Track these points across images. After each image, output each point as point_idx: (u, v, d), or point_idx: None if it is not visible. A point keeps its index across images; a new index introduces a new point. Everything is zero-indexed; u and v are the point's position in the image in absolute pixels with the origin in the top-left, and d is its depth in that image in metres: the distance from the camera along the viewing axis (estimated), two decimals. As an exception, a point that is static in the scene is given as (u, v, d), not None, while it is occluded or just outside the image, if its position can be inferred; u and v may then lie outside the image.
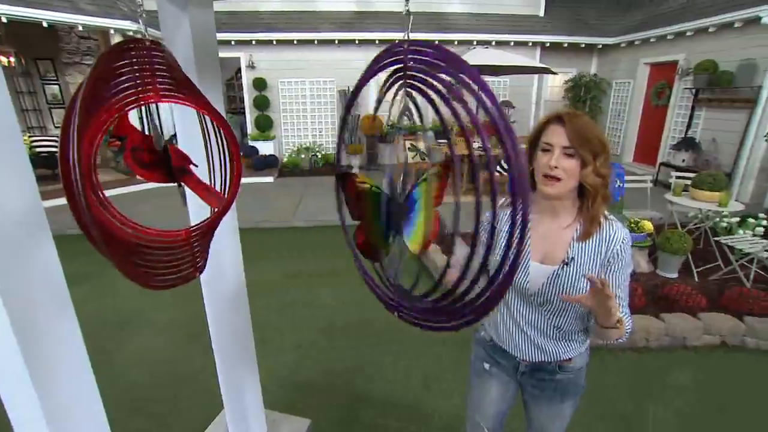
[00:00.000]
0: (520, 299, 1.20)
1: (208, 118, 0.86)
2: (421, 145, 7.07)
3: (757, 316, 3.05)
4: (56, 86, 8.31)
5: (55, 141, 6.72)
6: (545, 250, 1.14)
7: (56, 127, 8.36)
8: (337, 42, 7.79)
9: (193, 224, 0.89)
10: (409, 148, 6.98)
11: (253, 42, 7.65)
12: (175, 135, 1.28)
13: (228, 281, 1.50)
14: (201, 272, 0.91)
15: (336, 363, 2.80)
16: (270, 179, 7.67)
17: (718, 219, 4.29)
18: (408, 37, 0.56)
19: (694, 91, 6.51)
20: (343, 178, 0.67)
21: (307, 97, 8.29)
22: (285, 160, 8.30)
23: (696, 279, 3.65)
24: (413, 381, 2.61)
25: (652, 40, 7.43)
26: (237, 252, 1.52)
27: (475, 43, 7.42)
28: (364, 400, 2.46)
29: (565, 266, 1.11)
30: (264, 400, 1.91)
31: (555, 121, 1.05)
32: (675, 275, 3.70)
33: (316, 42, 7.76)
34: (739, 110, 5.92)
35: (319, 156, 8.28)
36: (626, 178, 3.92)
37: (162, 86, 0.78)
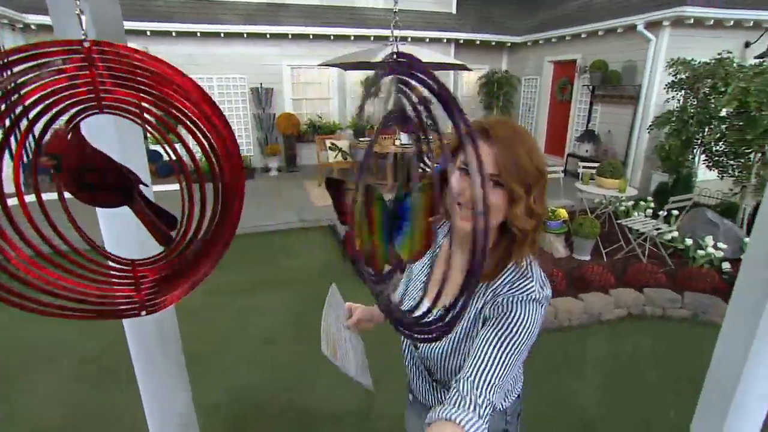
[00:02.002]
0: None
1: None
2: (343, 144, 6.89)
3: (653, 287, 3.43)
4: None
5: None
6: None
7: None
8: (246, 35, 7.29)
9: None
10: (330, 147, 6.77)
11: (148, 33, 6.84)
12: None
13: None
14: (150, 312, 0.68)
15: (276, 378, 2.60)
16: (177, 186, 6.93)
17: (618, 203, 4.73)
18: (393, 35, 0.54)
19: (591, 87, 7.14)
20: (333, 186, 0.63)
21: (215, 95, 7.61)
22: (195, 163, 7.59)
23: (605, 259, 3.96)
24: (357, 387, 2.48)
25: (553, 40, 8.03)
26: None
27: (391, 39, 7.41)
28: (313, 413, 2.33)
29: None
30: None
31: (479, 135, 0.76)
32: (588, 257, 3.98)
33: (222, 35, 7.18)
34: (626, 105, 6.61)
35: (234, 158, 7.70)
36: (541, 168, 4.12)
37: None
